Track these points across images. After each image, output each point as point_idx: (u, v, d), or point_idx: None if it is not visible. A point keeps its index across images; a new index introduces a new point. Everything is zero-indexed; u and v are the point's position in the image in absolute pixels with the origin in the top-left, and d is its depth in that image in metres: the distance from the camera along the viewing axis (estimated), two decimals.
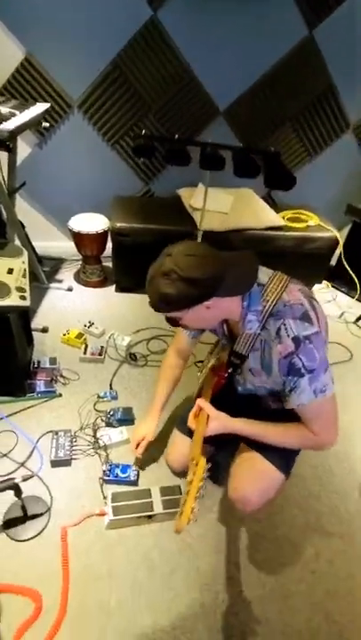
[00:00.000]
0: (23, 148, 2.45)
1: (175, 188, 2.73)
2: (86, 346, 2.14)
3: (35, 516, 1.44)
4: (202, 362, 1.76)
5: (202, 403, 1.28)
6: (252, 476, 1.32)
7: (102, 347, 2.16)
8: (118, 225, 2.40)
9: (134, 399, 1.94)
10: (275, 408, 1.34)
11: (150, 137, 2.01)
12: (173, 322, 1.18)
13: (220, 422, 1.24)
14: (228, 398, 1.41)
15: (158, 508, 1.47)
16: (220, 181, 2.18)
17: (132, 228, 2.41)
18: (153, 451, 1.71)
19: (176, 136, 1.93)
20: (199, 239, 2.23)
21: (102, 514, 1.48)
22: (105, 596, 1.30)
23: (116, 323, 2.39)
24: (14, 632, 1.18)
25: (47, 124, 2.06)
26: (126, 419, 1.81)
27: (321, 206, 2.85)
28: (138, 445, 1.56)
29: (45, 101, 2.27)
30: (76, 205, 2.61)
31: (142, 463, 1.65)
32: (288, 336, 1.08)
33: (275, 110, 2.61)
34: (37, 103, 2.07)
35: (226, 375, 1.39)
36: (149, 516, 1.47)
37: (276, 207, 2.70)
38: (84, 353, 2.11)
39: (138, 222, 2.43)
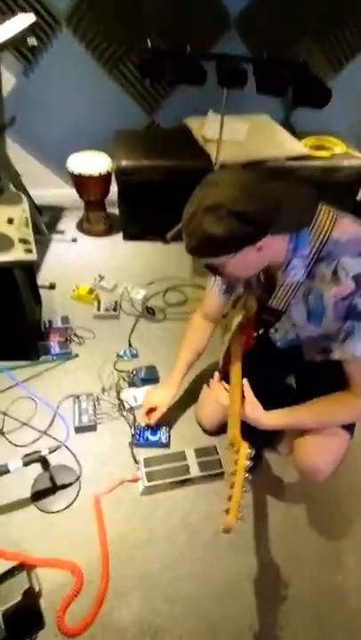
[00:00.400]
0: (8, 78, 2.13)
1: (180, 117, 2.42)
2: (99, 302, 1.97)
3: (64, 486, 1.35)
4: (225, 316, 1.61)
5: (245, 385, 1.13)
6: (320, 442, 1.16)
7: (116, 302, 1.99)
8: (123, 163, 2.14)
9: (156, 356, 1.81)
10: (320, 360, 1.19)
11: (159, 51, 1.70)
12: (213, 270, 1.00)
13: (254, 413, 1.11)
14: (263, 357, 1.27)
15: (195, 471, 1.38)
16: (230, 108, 1.87)
17: (139, 166, 2.15)
18: (181, 410, 1.60)
19: (188, 48, 1.63)
20: None
21: (135, 480, 1.39)
22: (147, 565, 1.23)
23: (128, 275, 2.20)
24: (58, 607, 1.12)
25: (35, 42, 1.74)
26: (150, 378, 1.68)
27: (346, 131, 2.54)
28: (149, 411, 1.47)
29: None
30: (72, 143, 2.31)
31: (171, 424, 1.55)
32: (347, 275, 0.91)
33: (293, 16, 2.23)
34: (19, 14, 1.73)
35: (256, 335, 1.23)
36: (185, 480, 1.38)
37: (297, 134, 2.41)
38: (98, 309, 1.95)
39: (144, 159, 2.16)
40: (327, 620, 1.17)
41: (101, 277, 2.10)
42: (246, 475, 0.88)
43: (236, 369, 1.21)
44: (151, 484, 1.34)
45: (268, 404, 1.14)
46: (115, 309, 1.96)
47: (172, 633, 1.12)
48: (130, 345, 1.84)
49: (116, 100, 2.34)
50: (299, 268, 0.97)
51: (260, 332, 1.21)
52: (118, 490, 1.37)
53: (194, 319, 1.44)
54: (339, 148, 2.37)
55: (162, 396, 1.45)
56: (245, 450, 0.91)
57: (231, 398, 1.12)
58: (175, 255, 2.34)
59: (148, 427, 1.49)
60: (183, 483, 1.39)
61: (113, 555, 1.24)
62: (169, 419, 1.53)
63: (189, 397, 1.61)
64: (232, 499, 0.83)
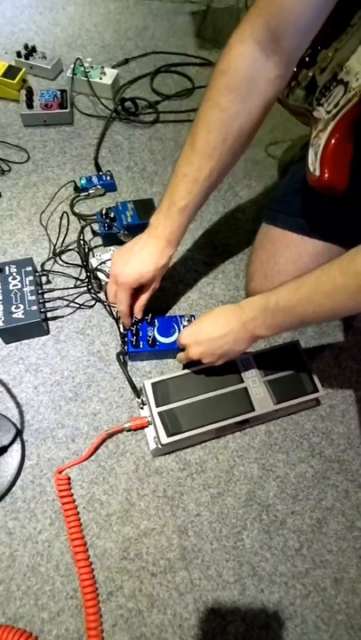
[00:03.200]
0: None
1: None
2: (30, 92, 1.02)
3: None
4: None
5: None
6: None
7: (63, 91, 1.04)
8: None
9: (149, 184, 0.95)
10: None
11: None
12: None
13: None
14: None
15: (262, 400, 0.65)
16: None
17: None
18: (215, 274, 0.83)
19: None
20: None
21: (139, 427, 0.66)
22: (176, 610, 0.57)
23: (83, 43, 1.21)
24: None
25: None
26: (143, 222, 0.83)
27: None
28: (127, 305, 0.69)
29: None
30: None
31: (193, 307, 0.79)
32: None
33: None
34: None
35: None
36: (243, 421, 0.66)
37: None
38: (29, 106, 1.01)
39: None
40: None
41: (30, 49, 1.10)
42: None
43: None
44: (173, 439, 0.61)
45: None
46: (62, 105, 1.02)
47: None
48: (98, 167, 0.96)
49: None
50: None
51: None
52: (105, 452, 0.66)
53: (232, 50, 0.53)
54: None
55: (147, 261, 0.65)
56: None
57: None
58: (171, 10, 1.32)
59: (151, 320, 0.73)
60: (238, 425, 0.67)
61: (108, 596, 0.57)
62: (183, 297, 0.77)
63: (234, 247, 0.82)
64: None
